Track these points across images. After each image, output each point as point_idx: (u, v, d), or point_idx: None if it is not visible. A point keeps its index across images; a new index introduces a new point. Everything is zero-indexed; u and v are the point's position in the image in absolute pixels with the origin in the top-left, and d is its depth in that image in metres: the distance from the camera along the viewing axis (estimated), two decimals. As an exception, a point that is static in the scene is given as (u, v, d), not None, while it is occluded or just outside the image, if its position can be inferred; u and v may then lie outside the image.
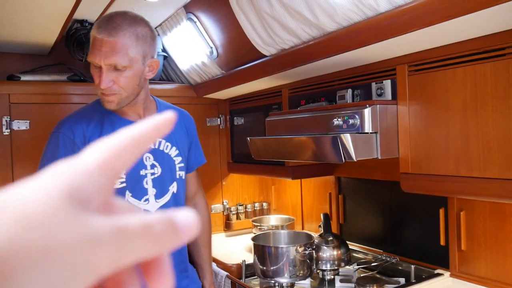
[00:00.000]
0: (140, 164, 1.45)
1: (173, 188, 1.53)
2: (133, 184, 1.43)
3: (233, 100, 2.91)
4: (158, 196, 1.49)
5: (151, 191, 1.45)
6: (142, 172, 1.45)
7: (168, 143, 1.56)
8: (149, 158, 1.46)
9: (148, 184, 1.44)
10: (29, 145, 2.44)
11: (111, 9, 2.33)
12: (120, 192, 1.40)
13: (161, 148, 1.53)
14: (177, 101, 2.75)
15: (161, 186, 1.48)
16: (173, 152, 1.57)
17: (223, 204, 3.04)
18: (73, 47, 2.54)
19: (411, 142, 1.60)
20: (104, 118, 1.43)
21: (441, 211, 1.86)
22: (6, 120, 2.38)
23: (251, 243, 2.03)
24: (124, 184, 1.41)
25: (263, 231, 2.51)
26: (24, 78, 2.48)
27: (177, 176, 1.56)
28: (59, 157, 1.25)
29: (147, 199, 1.46)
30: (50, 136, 1.39)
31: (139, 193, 1.43)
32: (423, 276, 1.88)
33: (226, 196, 3.05)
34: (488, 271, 1.73)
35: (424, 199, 1.92)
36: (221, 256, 2.36)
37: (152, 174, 1.45)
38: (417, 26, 1.30)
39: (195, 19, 2.34)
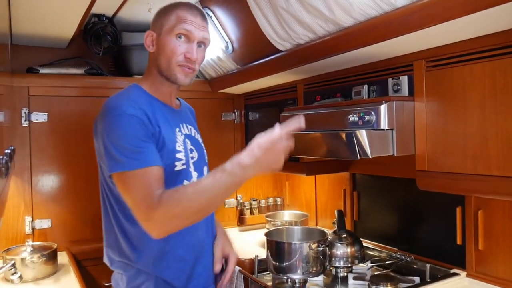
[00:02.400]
0: (186, 149, 1.47)
1: (205, 172, 1.57)
2: (191, 165, 1.48)
3: (248, 95, 2.91)
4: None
5: (194, 174, 1.48)
6: (189, 155, 1.48)
7: (195, 131, 1.61)
8: (188, 143, 1.48)
9: (191, 167, 1.47)
10: (47, 137, 2.48)
11: (128, 4, 2.35)
12: (181, 173, 1.41)
13: (192, 135, 1.56)
14: (192, 95, 2.77)
15: (199, 170, 1.50)
16: (199, 138, 1.61)
17: (236, 199, 3.04)
18: (91, 41, 2.57)
19: (427, 139, 1.58)
20: (151, 103, 1.41)
21: (458, 210, 1.83)
22: (25, 112, 2.42)
23: (264, 238, 2.03)
24: (185, 166, 1.43)
25: (276, 226, 2.51)
26: (42, 71, 2.51)
27: (206, 161, 1.60)
28: (138, 135, 1.28)
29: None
30: (114, 118, 1.28)
31: (188, 175, 1.45)
32: (439, 276, 1.86)
33: (240, 191, 3.05)
34: (507, 272, 1.69)
35: (440, 197, 1.89)
36: (235, 251, 2.36)
37: (192, 158, 1.48)
38: (435, 21, 1.27)
39: (210, 13, 2.33)
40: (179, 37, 1.42)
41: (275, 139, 1.22)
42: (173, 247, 1.41)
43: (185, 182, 1.42)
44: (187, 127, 1.54)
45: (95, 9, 2.39)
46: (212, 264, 1.55)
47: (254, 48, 2.25)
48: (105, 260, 1.49)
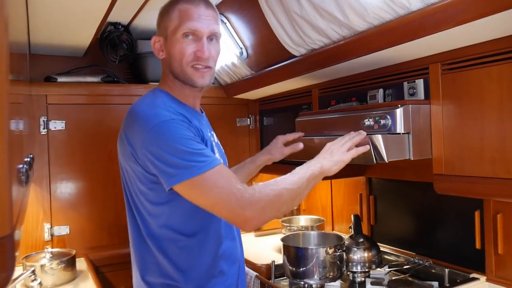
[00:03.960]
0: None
1: None
2: None
3: (263, 100, 2.91)
4: None
5: None
6: None
7: (217, 139, 1.57)
8: (216, 151, 1.44)
9: None
10: (65, 144, 2.52)
11: (143, 12, 2.38)
12: None
13: (218, 142, 1.54)
14: (207, 101, 2.79)
15: None
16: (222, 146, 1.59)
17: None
18: (107, 49, 2.60)
19: (444, 143, 1.57)
20: (183, 107, 1.37)
21: (477, 213, 1.81)
22: (44, 120, 2.46)
23: (280, 243, 2.03)
24: None
25: (292, 231, 2.50)
26: (60, 79, 2.55)
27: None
28: (193, 137, 1.23)
29: None
30: (161, 127, 1.21)
31: None
32: (458, 280, 1.83)
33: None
34: (527, 276, 1.67)
35: (458, 201, 1.87)
36: (251, 256, 2.36)
37: None
38: (451, 24, 1.27)
39: (225, 20, 2.35)
40: (186, 36, 1.34)
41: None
42: (218, 263, 1.39)
43: None
44: (212, 134, 1.50)
45: (111, 18, 2.43)
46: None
47: (269, 54, 2.26)
48: (139, 286, 1.39)
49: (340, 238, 2.05)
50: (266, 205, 1.21)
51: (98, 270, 2.43)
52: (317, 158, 1.41)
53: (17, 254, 0.67)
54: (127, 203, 1.40)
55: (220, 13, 2.33)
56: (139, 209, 1.35)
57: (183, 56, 1.35)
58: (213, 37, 1.39)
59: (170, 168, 1.20)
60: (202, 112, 1.54)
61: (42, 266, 2.05)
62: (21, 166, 1.01)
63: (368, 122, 1.62)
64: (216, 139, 1.53)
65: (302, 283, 1.94)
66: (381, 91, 1.80)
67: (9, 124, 0.59)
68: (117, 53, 2.61)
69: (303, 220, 2.85)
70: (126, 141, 1.30)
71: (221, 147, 1.56)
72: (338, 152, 1.43)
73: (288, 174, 1.32)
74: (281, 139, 1.83)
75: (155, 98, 1.34)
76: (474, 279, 1.80)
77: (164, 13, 1.39)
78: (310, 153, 1.91)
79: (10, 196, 0.56)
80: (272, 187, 1.25)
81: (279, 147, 1.82)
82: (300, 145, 1.77)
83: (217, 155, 1.39)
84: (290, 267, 1.93)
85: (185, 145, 1.20)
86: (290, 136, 1.84)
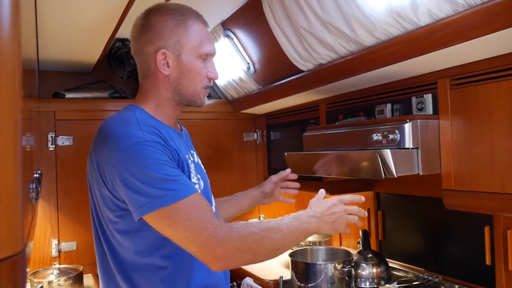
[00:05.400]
0: (198, 178, 1.35)
1: (214, 203, 1.45)
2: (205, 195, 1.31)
3: (270, 115, 2.92)
4: None
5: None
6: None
7: (197, 156, 1.46)
8: (194, 174, 1.32)
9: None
10: (72, 160, 2.52)
11: (151, 28, 2.39)
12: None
13: (196, 161, 1.42)
14: (214, 116, 2.79)
15: (209, 200, 1.33)
16: (202, 165, 1.47)
17: (260, 219, 3.03)
18: (115, 65, 2.62)
19: (454, 158, 1.56)
20: (161, 127, 1.26)
21: (486, 229, 1.79)
22: (52, 136, 2.47)
23: (288, 259, 2.01)
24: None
25: (300, 247, 2.48)
26: (68, 95, 2.57)
27: (211, 192, 1.47)
28: (167, 162, 1.14)
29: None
30: (133, 149, 1.12)
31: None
32: (468, 297, 1.81)
33: (263, 211, 3.04)
34: (538, 293, 1.64)
35: (467, 216, 1.86)
36: (258, 272, 2.35)
37: (199, 187, 1.32)
38: (459, 39, 1.27)
39: (232, 35, 2.37)
40: (203, 58, 1.31)
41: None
42: None
43: None
44: (191, 154, 1.40)
45: (120, 34, 2.45)
46: None
47: (276, 69, 2.27)
48: None
49: (348, 253, 2.03)
50: (241, 248, 1.11)
51: (104, 286, 2.42)
52: (318, 218, 1.30)
53: (28, 270, 0.67)
54: (94, 230, 1.31)
55: (227, 29, 2.35)
56: (107, 237, 1.25)
57: (201, 78, 1.31)
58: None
59: (139, 196, 1.10)
60: (182, 130, 1.46)
61: (49, 282, 2.04)
62: (31, 182, 1.01)
63: (376, 136, 1.62)
64: (196, 159, 1.43)
65: (311, 299, 1.92)
66: (389, 105, 1.80)
67: (22, 140, 0.60)
68: (125, 69, 2.63)
69: (310, 235, 2.83)
70: (95, 163, 1.20)
71: (202, 167, 1.45)
72: (341, 221, 1.34)
73: (279, 219, 1.23)
74: (274, 177, 1.75)
75: (130, 115, 1.23)
76: (485, 295, 1.77)
77: (176, 26, 1.28)
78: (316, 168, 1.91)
79: (22, 214, 0.56)
80: (253, 229, 1.14)
81: (272, 182, 1.74)
82: (292, 201, 1.82)
83: (194, 179, 1.29)
84: (298, 283, 1.92)
85: (158, 171, 1.10)
86: (283, 173, 1.75)
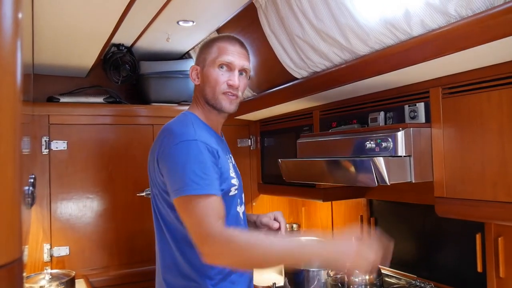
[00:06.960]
0: (237, 175, 1.57)
1: (243, 199, 1.65)
2: (240, 192, 1.59)
3: (264, 121, 2.93)
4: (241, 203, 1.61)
5: (240, 200, 1.58)
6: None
7: (234, 162, 1.67)
8: (232, 171, 1.55)
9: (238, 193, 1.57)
10: (66, 164, 2.52)
11: (146, 34, 2.41)
12: (235, 198, 1.53)
13: (234, 163, 1.64)
14: (209, 122, 2.78)
15: (241, 197, 1.61)
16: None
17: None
18: (110, 70, 2.63)
19: (445, 166, 1.58)
20: (208, 131, 1.52)
21: (478, 237, 1.81)
22: (46, 140, 2.47)
23: (281, 265, 2.02)
24: (237, 192, 1.54)
25: (293, 253, 2.49)
26: (63, 99, 2.57)
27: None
28: (206, 161, 1.35)
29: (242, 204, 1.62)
30: (183, 144, 1.36)
31: (240, 200, 1.58)
32: (459, 304, 1.82)
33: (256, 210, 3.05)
34: (529, 300, 1.66)
35: (459, 223, 1.87)
36: (251, 278, 2.35)
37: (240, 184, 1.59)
38: (451, 50, 1.29)
39: (227, 42, 2.38)
40: (221, 67, 1.52)
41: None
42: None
43: (237, 207, 1.53)
44: (229, 156, 1.63)
45: (115, 39, 2.46)
46: None
47: (270, 76, 2.29)
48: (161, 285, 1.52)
49: (341, 260, 2.04)
50: (228, 252, 1.28)
51: (97, 291, 2.41)
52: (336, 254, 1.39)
53: (24, 275, 0.67)
54: (152, 207, 1.53)
55: (223, 36, 2.37)
56: (164, 216, 1.47)
57: (217, 84, 1.52)
58: (243, 71, 1.56)
59: (173, 183, 1.34)
60: (222, 136, 1.68)
61: (41, 287, 2.03)
62: (27, 188, 1.01)
63: (369, 144, 1.63)
64: (233, 161, 1.65)
65: (303, 306, 1.93)
66: (382, 114, 1.82)
67: (21, 145, 0.60)
68: (120, 74, 2.64)
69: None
70: (156, 155, 1.44)
71: (238, 170, 1.66)
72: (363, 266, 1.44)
73: (290, 240, 1.44)
74: (265, 219, 1.75)
75: (186, 119, 1.50)
76: (476, 302, 1.79)
77: (205, 47, 1.59)
78: (311, 174, 1.92)
79: (20, 220, 0.57)
80: (245, 240, 1.30)
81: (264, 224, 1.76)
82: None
83: (232, 174, 1.51)
84: (291, 290, 1.92)
85: (195, 166, 1.33)
86: (272, 226, 1.72)
